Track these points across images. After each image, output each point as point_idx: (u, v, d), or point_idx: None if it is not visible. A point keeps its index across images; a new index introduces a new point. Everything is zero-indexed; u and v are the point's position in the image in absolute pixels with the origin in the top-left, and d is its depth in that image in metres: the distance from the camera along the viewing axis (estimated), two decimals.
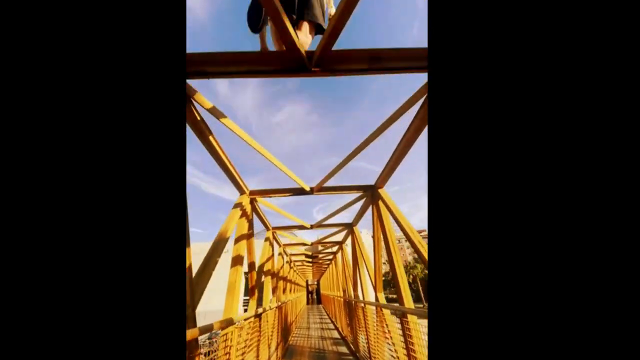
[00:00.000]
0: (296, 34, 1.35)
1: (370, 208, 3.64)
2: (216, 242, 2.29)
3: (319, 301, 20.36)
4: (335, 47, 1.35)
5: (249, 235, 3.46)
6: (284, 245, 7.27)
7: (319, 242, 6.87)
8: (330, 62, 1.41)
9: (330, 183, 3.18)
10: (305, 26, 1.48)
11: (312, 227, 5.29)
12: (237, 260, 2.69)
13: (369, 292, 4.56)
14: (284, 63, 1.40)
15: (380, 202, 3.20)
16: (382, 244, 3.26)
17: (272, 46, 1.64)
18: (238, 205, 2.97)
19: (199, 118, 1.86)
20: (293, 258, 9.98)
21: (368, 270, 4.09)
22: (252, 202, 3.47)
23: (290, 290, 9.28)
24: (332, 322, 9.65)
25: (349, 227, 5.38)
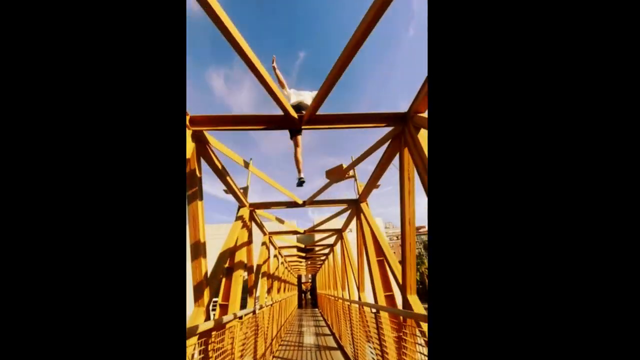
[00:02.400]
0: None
1: (397, 156, 2.23)
2: None
3: (315, 304, 16.75)
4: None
5: (193, 197, 2.03)
6: (271, 233, 5.85)
7: (313, 229, 5.45)
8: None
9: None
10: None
11: (304, 204, 3.87)
12: None
13: (396, 295, 3.16)
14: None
15: (420, 139, 1.80)
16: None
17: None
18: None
19: None
20: (283, 252, 8.55)
21: (390, 265, 2.68)
22: (197, 139, 2.03)
23: (279, 290, 7.85)
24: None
25: (354, 205, 3.98)
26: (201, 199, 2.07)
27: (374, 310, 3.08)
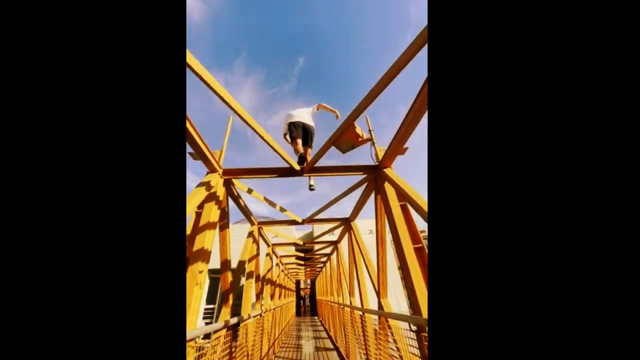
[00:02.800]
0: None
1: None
2: None
3: (314, 312, 15.27)
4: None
5: None
6: (261, 224, 4.67)
7: (312, 218, 4.27)
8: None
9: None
10: (309, 150, 3.23)
11: (303, 170, 2.73)
12: None
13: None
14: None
15: None
16: None
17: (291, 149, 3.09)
18: None
19: None
20: (279, 252, 7.34)
21: None
22: None
23: (273, 296, 6.61)
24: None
25: (373, 175, 2.83)
26: None
27: (414, 327, 1.91)
